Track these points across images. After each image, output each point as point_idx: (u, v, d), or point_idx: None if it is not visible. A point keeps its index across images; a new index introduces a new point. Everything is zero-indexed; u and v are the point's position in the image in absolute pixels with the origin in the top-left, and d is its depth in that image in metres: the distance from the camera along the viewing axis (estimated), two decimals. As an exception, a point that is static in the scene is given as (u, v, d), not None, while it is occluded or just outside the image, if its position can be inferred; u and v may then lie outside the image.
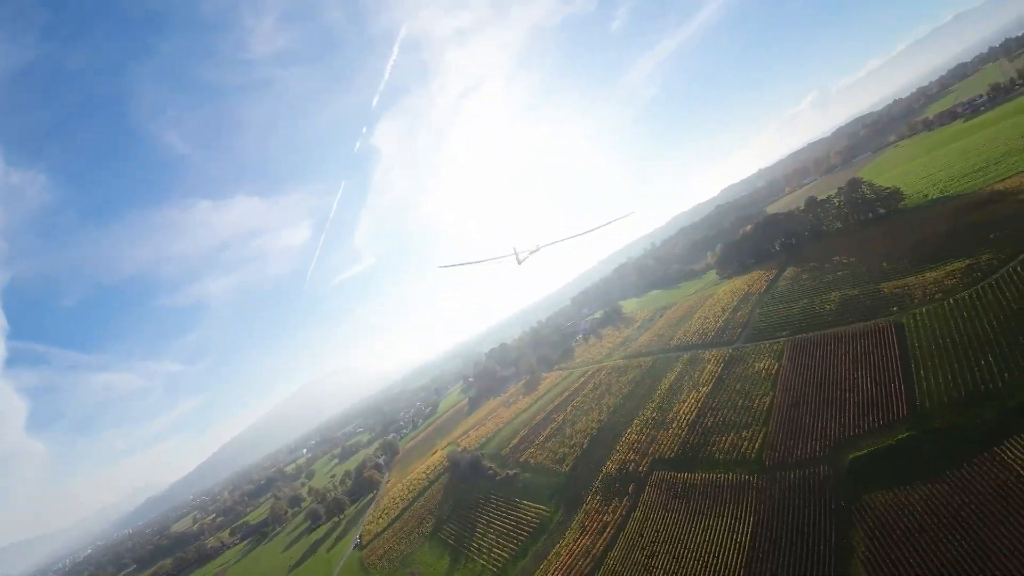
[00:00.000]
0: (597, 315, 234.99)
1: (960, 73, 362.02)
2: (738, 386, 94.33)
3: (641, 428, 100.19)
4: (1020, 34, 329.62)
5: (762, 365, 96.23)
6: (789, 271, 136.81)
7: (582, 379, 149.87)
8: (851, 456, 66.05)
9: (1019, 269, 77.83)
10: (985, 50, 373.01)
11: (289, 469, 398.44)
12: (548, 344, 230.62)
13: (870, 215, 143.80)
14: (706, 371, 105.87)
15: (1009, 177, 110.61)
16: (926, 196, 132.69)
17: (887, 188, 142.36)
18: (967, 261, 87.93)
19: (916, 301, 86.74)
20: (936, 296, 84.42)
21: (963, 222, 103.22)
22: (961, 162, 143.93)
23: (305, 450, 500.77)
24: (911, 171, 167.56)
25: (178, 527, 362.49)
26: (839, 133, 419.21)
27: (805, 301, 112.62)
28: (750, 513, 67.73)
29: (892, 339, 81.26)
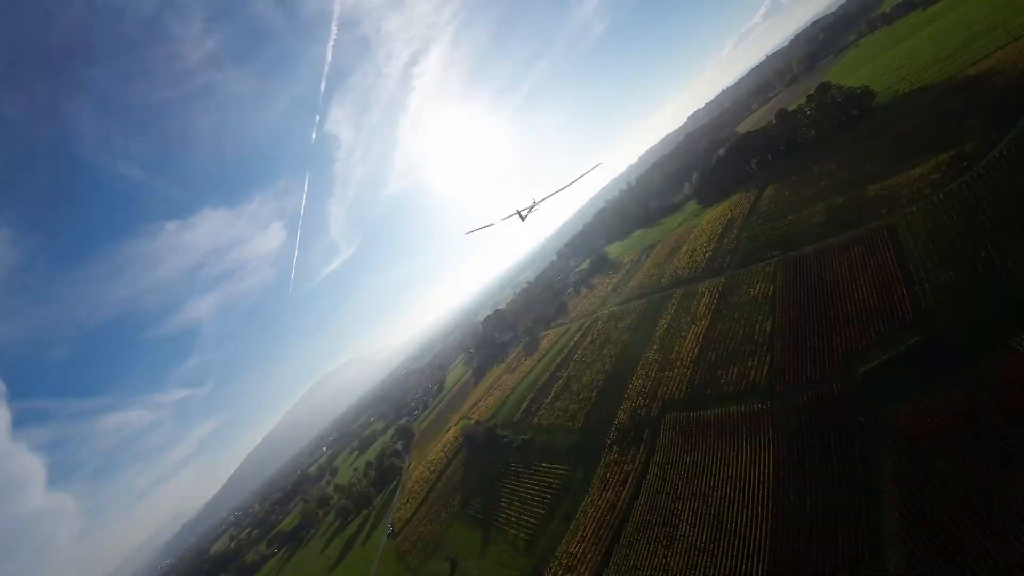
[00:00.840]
0: (584, 265, 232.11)
1: None
2: (736, 315, 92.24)
3: (646, 373, 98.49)
4: None
5: (757, 290, 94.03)
6: (770, 189, 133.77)
7: (580, 332, 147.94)
8: (863, 369, 64.22)
9: (1006, 153, 74.97)
10: None
11: (312, 470, 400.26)
12: (541, 302, 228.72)
13: (843, 118, 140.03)
14: (702, 304, 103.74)
15: (980, 60, 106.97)
16: (897, 91, 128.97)
17: (857, 88, 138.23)
18: (951, 152, 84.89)
19: (905, 200, 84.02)
20: (925, 192, 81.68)
21: (941, 112, 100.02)
22: (928, 51, 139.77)
23: (325, 448, 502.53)
24: (878, 68, 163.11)
25: (217, 547, 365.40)
26: (797, 40, 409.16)
27: (791, 217, 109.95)
28: (769, 442, 66.27)
29: (886, 243, 78.74)
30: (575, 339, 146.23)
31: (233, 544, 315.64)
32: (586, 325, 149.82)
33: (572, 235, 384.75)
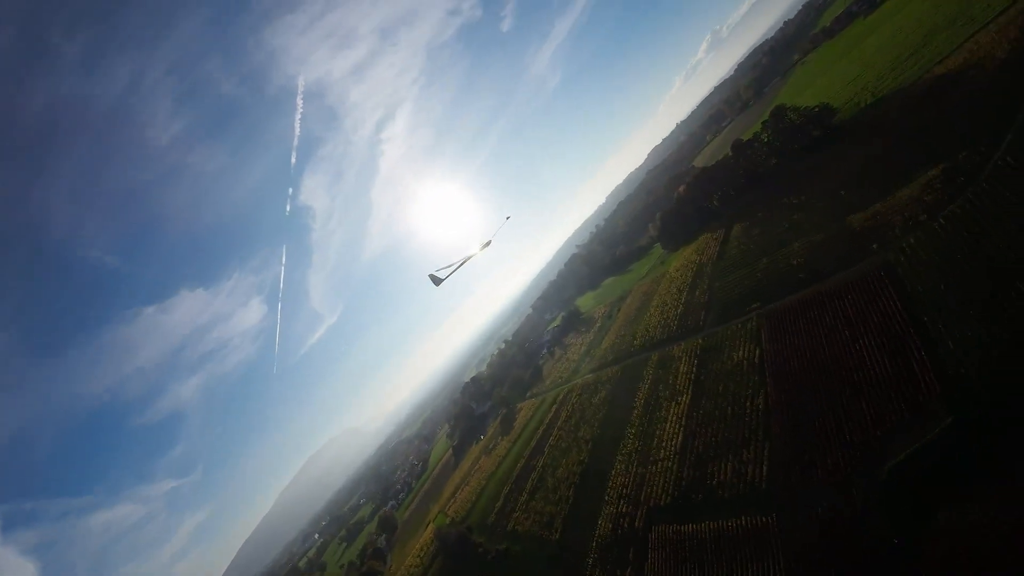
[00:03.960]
0: (557, 322, 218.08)
1: None
2: (721, 387, 76.71)
3: (626, 467, 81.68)
4: None
5: (741, 353, 78.97)
6: (737, 228, 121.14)
7: (554, 407, 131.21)
8: (888, 466, 48.78)
9: (1010, 160, 62.24)
10: None
11: (302, 564, 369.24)
12: (517, 365, 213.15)
13: (806, 141, 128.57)
14: (680, 374, 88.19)
15: (948, 56, 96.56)
16: (859, 104, 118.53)
17: (814, 107, 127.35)
18: (941, 166, 72.20)
19: (898, 231, 70.43)
20: (920, 218, 68.19)
21: (916, 121, 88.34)
22: (883, 56, 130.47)
23: (317, 535, 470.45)
24: (831, 82, 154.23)
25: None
26: (742, 68, 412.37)
27: (765, 260, 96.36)
28: (779, 571, 50.00)
29: (886, 287, 64.42)
30: (550, 414, 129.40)
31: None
32: (560, 397, 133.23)
33: (547, 283, 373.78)
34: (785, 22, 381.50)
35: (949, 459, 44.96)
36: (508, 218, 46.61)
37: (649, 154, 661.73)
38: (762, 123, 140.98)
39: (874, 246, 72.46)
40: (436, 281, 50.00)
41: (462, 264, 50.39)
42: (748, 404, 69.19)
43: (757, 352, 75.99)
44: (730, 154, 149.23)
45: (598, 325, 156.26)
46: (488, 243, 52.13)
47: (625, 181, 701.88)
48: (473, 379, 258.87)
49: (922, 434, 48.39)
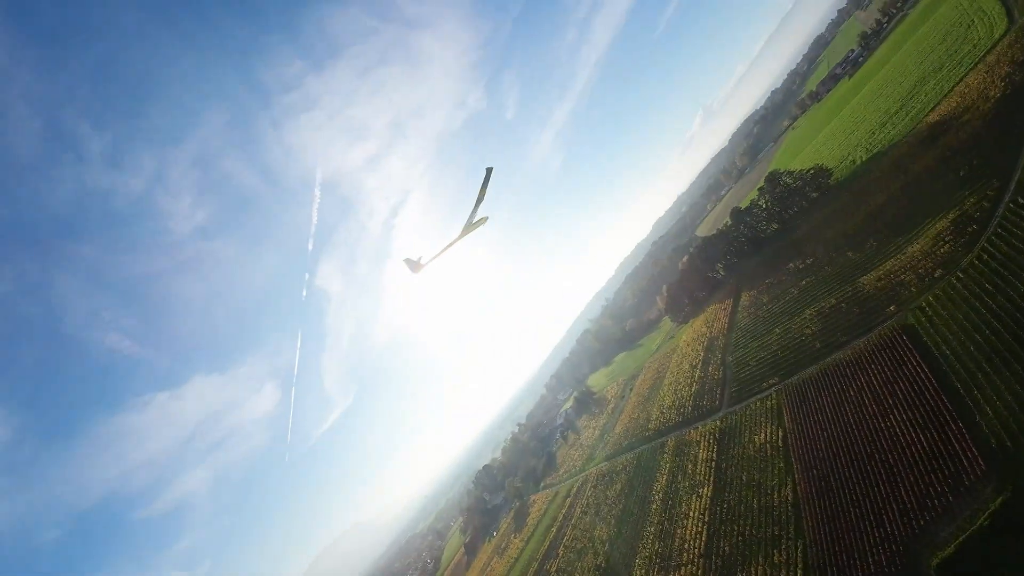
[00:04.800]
0: (570, 403, 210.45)
1: (822, 43, 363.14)
2: (744, 476, 70.16)
3: (647, 571, 73.56)
4: None
5: (763, 436, 72.93)
6: (745, 296, 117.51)
7: (568, 499, 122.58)
8: (935, 560, 42.37)
9: (1021, 200, 59.05)
10: (835, 15, 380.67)
11: None
12: (529, 453, 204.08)
13: (804, 204, 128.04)
14: (699, 462, 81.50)
15: (940, 102, 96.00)
16: (854, 161, 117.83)
17: (808, 169, 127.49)
18: (950, 215, 69.15)
19: (913, 289, 66.41)
20: (935, 274, 64.30)
21: (915, 172, 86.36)
22: (873, 112, 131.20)
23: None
24: (823, 144, 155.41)
25: None
26: (736, 138, 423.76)
27: (778, 330, 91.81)
28: None
29: (910, 352, 59.56)
30: (564, 509, 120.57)
31: None
32: (575, 489, 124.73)
33: (561, 361, 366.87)
34: (773, 91, 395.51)
35: (1002, 547, 38.88)
36: (490, 169, 40.44)
37: (654, 225, 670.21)
38: (758, 189, 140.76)
39: (891, 308, 68.23)
40: (414, 267, 44.55)
41: (449, 247, 45.43)
42: (775, 495, 62.56)
43: (780, 434, 69.98)
44: (729, 222, 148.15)
45: (611, 406, 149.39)
46: (479, 220, 45.57)
47: (633, 252, 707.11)
48: (485, 468, 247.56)
49: (971, 520, 42.45)
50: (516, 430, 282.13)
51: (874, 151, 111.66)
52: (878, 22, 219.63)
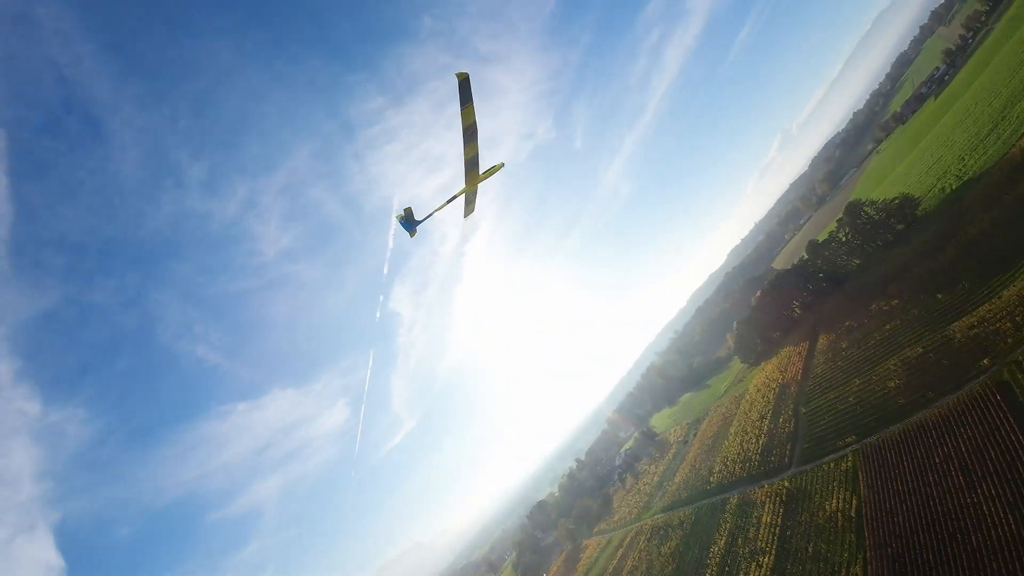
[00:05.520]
0: (630, 444, 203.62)
1: (905, 61, 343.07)
2: (810, 548, 63.57)
3: (701, 646, 68.15)
4: (941, 2, 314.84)
5: (835, 503, 66.15)
6: (822, 340, 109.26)
7: (620, 551, 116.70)
8: None
9: None
10: (916, 32, 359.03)
11: None
12: (586, 492, 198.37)
13: (889, 237, 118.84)
14: (763, 525, 75.06)
15: None
16: (943, 190, 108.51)
17: (893, 199, 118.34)
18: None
19: (1010, 340, 58.85)
20: (1038, 324, 56.98)
21: (1009, 202, 77.95)
22: (961, 136, 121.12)
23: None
24: (909, 170, 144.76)
25: None
26: (815, 162, 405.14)
27: (858, 381, 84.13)
28: None
29: (1003, 415, 52.20)
30: (615, 560, 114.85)
31: None
32: (628, 539, 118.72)
33: (626, 394, 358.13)
34: (855, 113, 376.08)
35: None
36: (463, 77, 34.66)
37: (729, 254, 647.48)
38: (837, 221, 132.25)
39: (984, 361, 60.65)
40: (409, 224, 39.12)
41: (450, 202, 39.97)
42: (843, 573, 56.11)
43: (853, 502, 63.21)
44: (806, 256, 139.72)
45: (673, 451, 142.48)
46: (492, 168, 39.92)
47: (705, 283, 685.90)
48: (540, 504, 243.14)
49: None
50: (574, 466, 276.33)
51: (964, 178, 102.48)
52: (962, 38, 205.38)
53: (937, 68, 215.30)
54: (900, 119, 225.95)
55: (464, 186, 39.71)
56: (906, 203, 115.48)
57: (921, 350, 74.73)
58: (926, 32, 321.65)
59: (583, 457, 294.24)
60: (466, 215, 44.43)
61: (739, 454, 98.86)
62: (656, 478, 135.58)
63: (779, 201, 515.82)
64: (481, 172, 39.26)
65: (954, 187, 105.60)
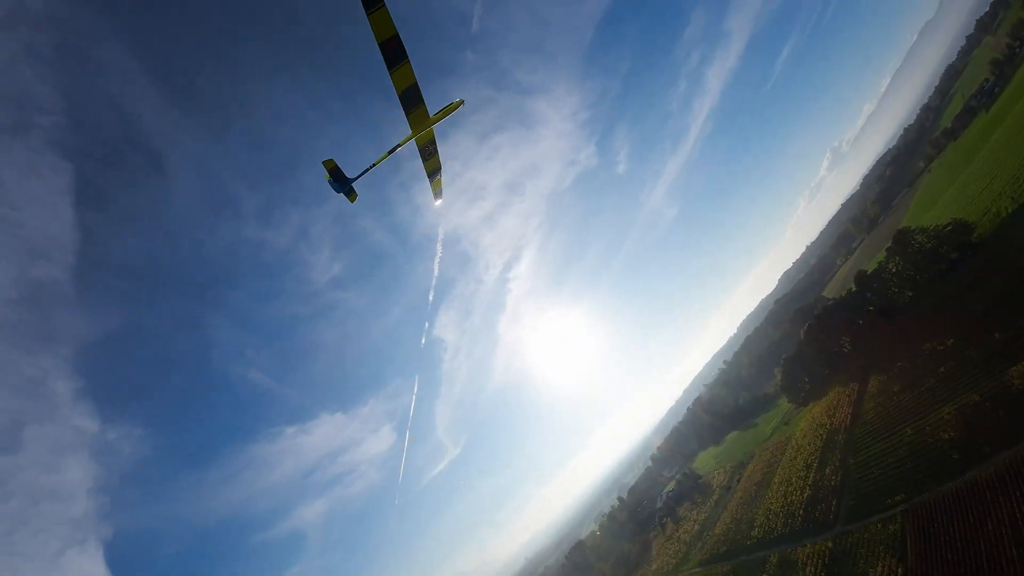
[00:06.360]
0: (672, 486, 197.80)
1: (953, 73, 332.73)
2: (857, 621, 60.04)
3: None
4: (986, 11, 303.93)
5: (880, 571, 62.01)
6: (873, 382, 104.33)
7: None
8: None
9: None
10: (963, 43, 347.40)
11: None
12: (626, 536, 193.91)
13: (943, 266, 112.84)
14: (805, 591, 71.37)
15: None
16: (999, 214, 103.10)
17: (946, 225, 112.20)
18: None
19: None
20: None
21: None
22: (1013, 154, 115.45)
23: None
24: (961, 191, 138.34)
25: None
26: (867, 181, 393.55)
27: (910, 430, 79.64)
28: None
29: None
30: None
31: None
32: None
33: (672, 428, 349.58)
34: (905, 128, 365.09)
35: None
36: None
37: (780, 279, 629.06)
38: (886, 249, 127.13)
39: (1048, 417, 56.71)
40: (340, 185, 33.88)
41: (392, 152, 34.10)
42: (894, 656, 52.54)
43: (900, 571, 59.28)
44: (854, 288, 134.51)
45: (715, 497, 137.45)
46: (433, 114, 32.64)
47: (756, 309, 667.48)
48: (579, 544, 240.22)
49: None
50: (616, 504, 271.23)
51: (1021, 200, 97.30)
52: (1009, 47, 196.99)
53: (986, 80, 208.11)
54: (951, 135, 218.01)
55: (410, 132, 33.04)
56: (959, 229, 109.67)
57: (977, 398, 70.42)
58: (973, 42, 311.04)
59: (626, 495, 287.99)
60: (436, 199, 40.14)
61: (782, 507, 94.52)
62: (696, 526, 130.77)
63: (830, 222, 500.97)
64: (433, 113, 32.87)
65: (1010, 210, 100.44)
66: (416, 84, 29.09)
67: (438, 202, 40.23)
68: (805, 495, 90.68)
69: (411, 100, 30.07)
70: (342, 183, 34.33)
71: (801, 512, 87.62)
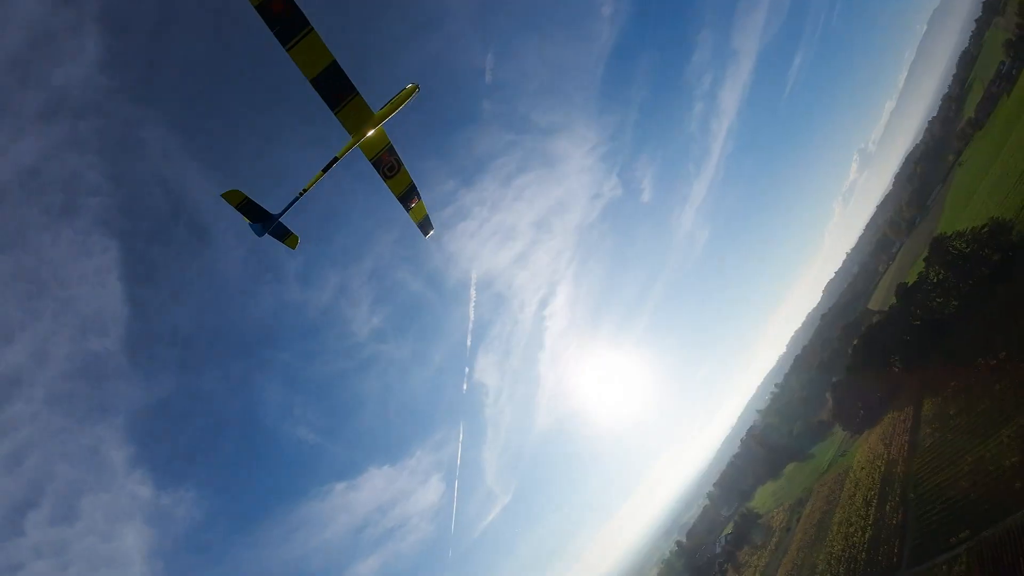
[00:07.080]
0: (729, 528, 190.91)
1: (968, 60, 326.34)
2: None
3: None
4: None
5: (954, 621, 58.76)
6: (927, 405, 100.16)
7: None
8: None
9: None
10: (973, 27, 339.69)
11: None
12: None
13: (985, 271, 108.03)
14: (876, 648, 67.50)
15: None
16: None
17: (983, 226, 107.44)
18: None
19: None
20: None
21: None
22: None
23: None
24: (994, 186, 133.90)
25: None
26: (899, 180, 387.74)
27: (970, 459, 75.63)
28: None
29: None
30: None
31: None
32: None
33: (727, 461, 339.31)
34: (929, 121, 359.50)
35: None
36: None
37: (824, 291, 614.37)
38: (924, 259, 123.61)
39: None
40: (260, 226, 25.80)
41: (331, 166, 25.99)
42: None
43: (974, 620, 55.84)
44: (896, 302, 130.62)
45: (775, 539, 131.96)
46: (384, 106, 25.73)
47: (803, 324, 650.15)
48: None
49: None
50: (675, 549, 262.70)
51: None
52: (1019, 26, 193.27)
53: (1003, 63, 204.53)
54: (977, 124, 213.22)
55: (351, 138, 25.22)
56: (997, 228, 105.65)
57: (1038, 417, 67.17)
58: (983, 25, 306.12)
59: (685, 537, 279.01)
60: (425, 231, 32.82)
61: (844, 550, 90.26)
62: (757, 574, 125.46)
63: (868, 226, 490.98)
64: (378, 108, 25.26)
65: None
66: (335, 63, 21.25)
67: (428, 234, 32.86)
68: (867, 536, 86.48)
69: (334, 89, 22.12)
70: (264, 221, 25.82)
71: (864, 556, 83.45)
